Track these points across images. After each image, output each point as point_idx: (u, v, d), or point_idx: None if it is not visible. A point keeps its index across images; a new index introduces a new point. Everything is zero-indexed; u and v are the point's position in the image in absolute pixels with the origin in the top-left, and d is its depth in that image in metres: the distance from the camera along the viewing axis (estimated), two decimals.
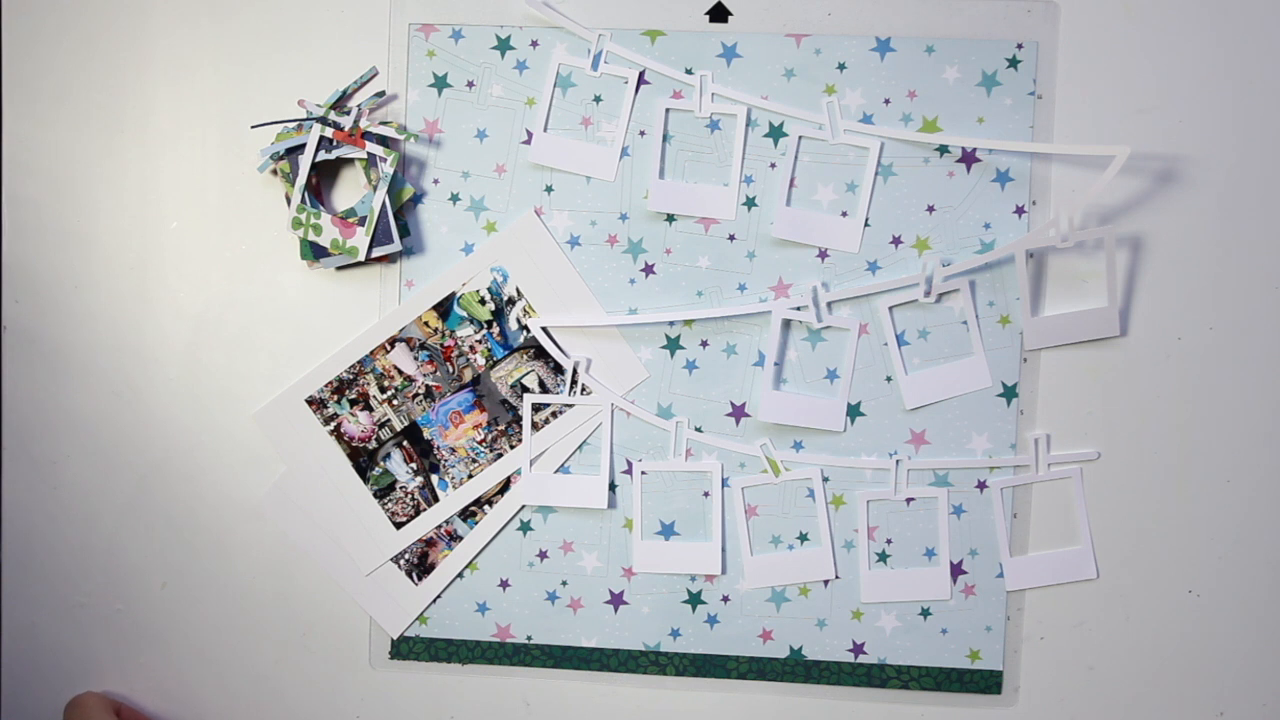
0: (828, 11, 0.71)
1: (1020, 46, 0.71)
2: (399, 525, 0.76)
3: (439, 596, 0.76)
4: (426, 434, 0.75)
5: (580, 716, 0.76)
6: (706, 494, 0.74)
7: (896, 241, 0.72)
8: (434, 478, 0.75)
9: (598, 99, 0.73)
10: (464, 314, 0.74)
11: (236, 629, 0.77)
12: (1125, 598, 0.74)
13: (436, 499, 0.75)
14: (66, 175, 0.75)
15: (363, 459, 0.75)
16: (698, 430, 0.74)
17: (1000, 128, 0.71)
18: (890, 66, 0.71)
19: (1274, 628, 0.74)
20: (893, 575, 0.74)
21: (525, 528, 0.75)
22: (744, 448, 0.74)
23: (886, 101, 0.71)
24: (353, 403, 0.75)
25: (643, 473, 0.74)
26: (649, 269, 0.73)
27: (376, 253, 0.72)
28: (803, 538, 0.74)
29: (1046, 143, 0.71)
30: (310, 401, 0.75)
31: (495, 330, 0.74)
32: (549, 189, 0.73)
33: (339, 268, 0.74)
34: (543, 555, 0.75)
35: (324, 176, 0.74)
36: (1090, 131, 0.71)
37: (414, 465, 0.75)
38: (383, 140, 0.72)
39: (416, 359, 0.75)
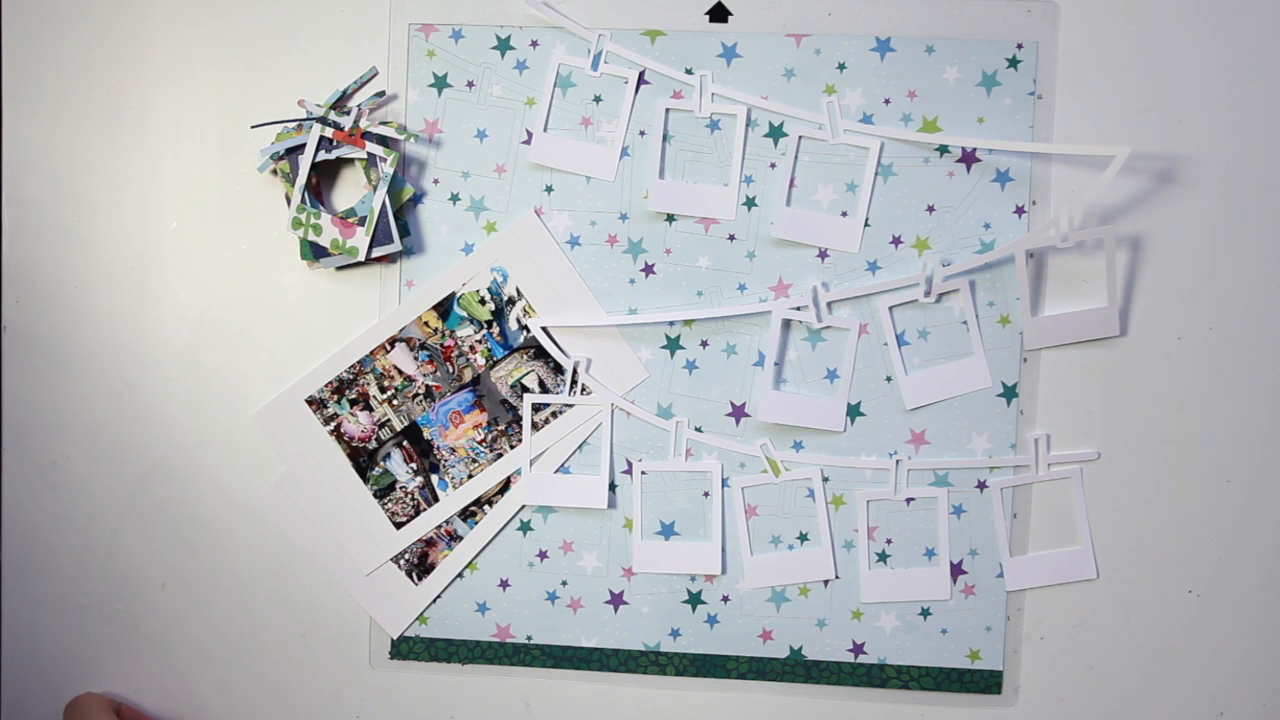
0: (828, 11, 0.71)
1: (1020, 46, 0.71)
2: (399, 525, 0.76)
3: (439, 596, 0.76)
4: (426, 434, 0.75)
5: (580, 716, 0.76)
6: (706, 494, 0.74)
7: (896, 241, 0.72)
8: (434, 478, 0.75)
9: (598, 99, 0.73)
10: (464, 314, 0.74)
11: (236, 629, 0.77)
12: (1125, 598, 0.74)
13: (436, 499, 0.75)
14: (66, 175, 0.75)
15: (363, 459, 0.75)
16: (698, 430, 0.74)
17: (1000, 128, 0.71)
18: (890, 66, 0.71)
19: (1274, 628, 0.74)
20: (893, 575, 0.74)
21: (525, 528, 0.75)
22: (744, 448, 0.74)
23: (886, 101, 0.71)
24: (353, 403, 0.75)
25: (643, 473, 0.74)
26: (649, 269, 0.73)
27: (376, 253, 0.72)
28: (803, 538, 0.74)
29: (1046, 143, 0.71)
30: (310, 401, 0.75)
31: (495, 330, 0.74)
32: (549, 189, 0.73)
33: (339, 268, 0.74)
34: (543, 555, 0.75)
35: (324, 176, 0.74)
36: (1090, 131, 0.71)
37: (414, 465, 0.75)
38: (383, 140, 0.72)
39: (416, 359, 0.75)
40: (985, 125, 0.71)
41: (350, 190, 0.74)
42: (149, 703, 0.78)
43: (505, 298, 0.74)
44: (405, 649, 0.76)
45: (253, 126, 0.73)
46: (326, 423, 0.75)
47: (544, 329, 0.74)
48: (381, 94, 0.73)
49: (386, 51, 0.73)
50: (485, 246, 0.74)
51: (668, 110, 0.72)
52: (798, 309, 0.72)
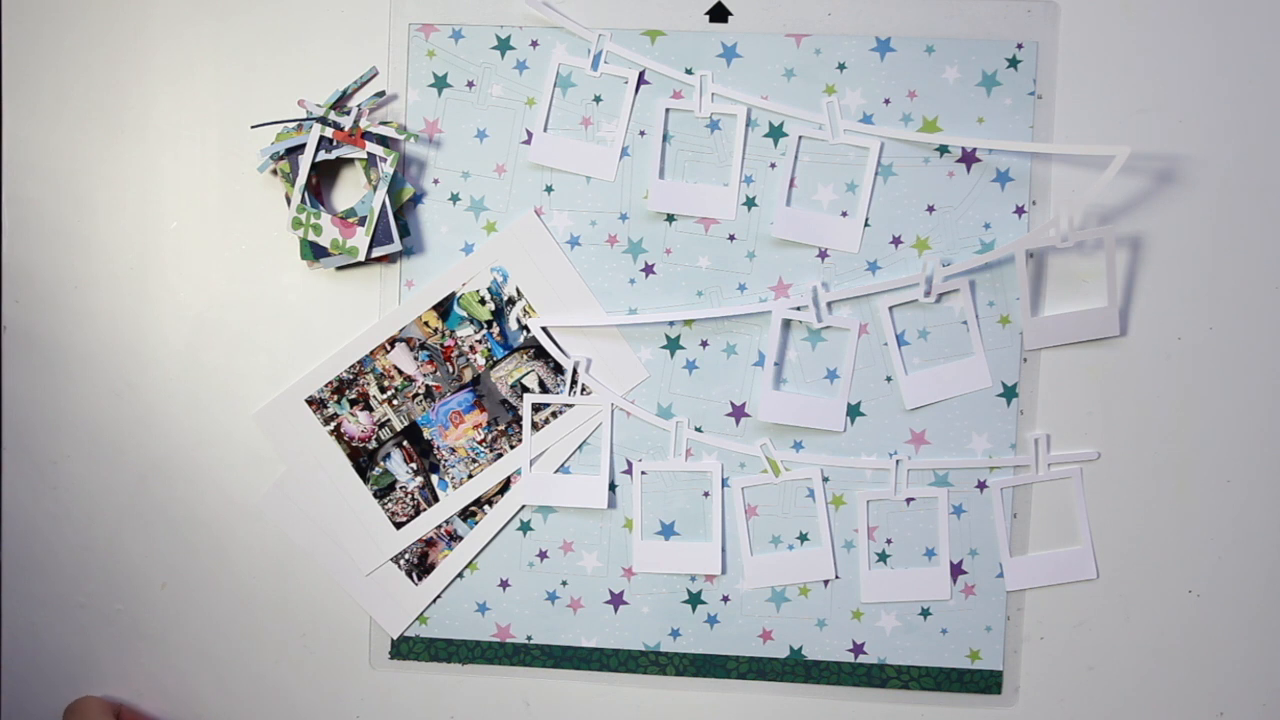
0: (828, 11, 0.71)
1: (1020, 46, 0.71)
2: (399, 525, 0.76)
3: (439, 596, 0.76)
4: (426, 434, 0.75)
5: (580, 716, 0.76)
6: (706, 494, 0.74)
7: (896, 241, 0.72)
8: (434, 478, 0.75)
9: (598, 99, 0.73)
10: (464, 314, 0.74)
11: (236, 629, 0.77)
12: (1125, 598, 0.74)
13: (436, 499, 0.75)
14: (66, 175, 0.75)
15: (363, 459, 0.75)
16: (698, 430, 0.74)
17: (1000, 128, 0.71)
18: (890, 66, 0.71)
19: (1274, 628, 0.74)
20: (893, 575, 0.74)
21: (525, 528, 0.75)
22: (744, 448, 0.74)
23: (886, 101, 0.71)
24: (353, 403, 0.75)
25: (643, 473, 0.74)
26: (649, 269, 0.73)
27: (376, 253, 0.72)
28: (803, 538, 0.74)
29: (1046, 143, 0.71)
30: (310, 401, 0.75)
31: (495, 330, 0.74)
32: (549, 189, 0.73)
33: (339, 268, 0.74)
34: (543, 555, 0.75)
35: (324, 176, 0.74)
36: (1090, 131, 0.71)
37: (414, 465, 0.75)
38: (383, 140, 0.72)
39: (416, 359, 0.75)
40: (985, 125, 0.71)
41: (350, 190, 0.74)
42: (149, 703, 0.78)
43: (505, 298, 0.74)
44: (405, 649, 0.76)
45: (253, 126, 0.73)
46: (326, 423, 0.75)
47: (544, 329, 0.74)
48: (381, 94, 0.73)
49: (386, 51, 0.73)
50: (485, 246, 0.74)
51: (668, 110, 0.72)
52: (798, 309, 0.72)
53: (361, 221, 0.72)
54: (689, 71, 0.72)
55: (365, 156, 0.72)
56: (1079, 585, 0.74)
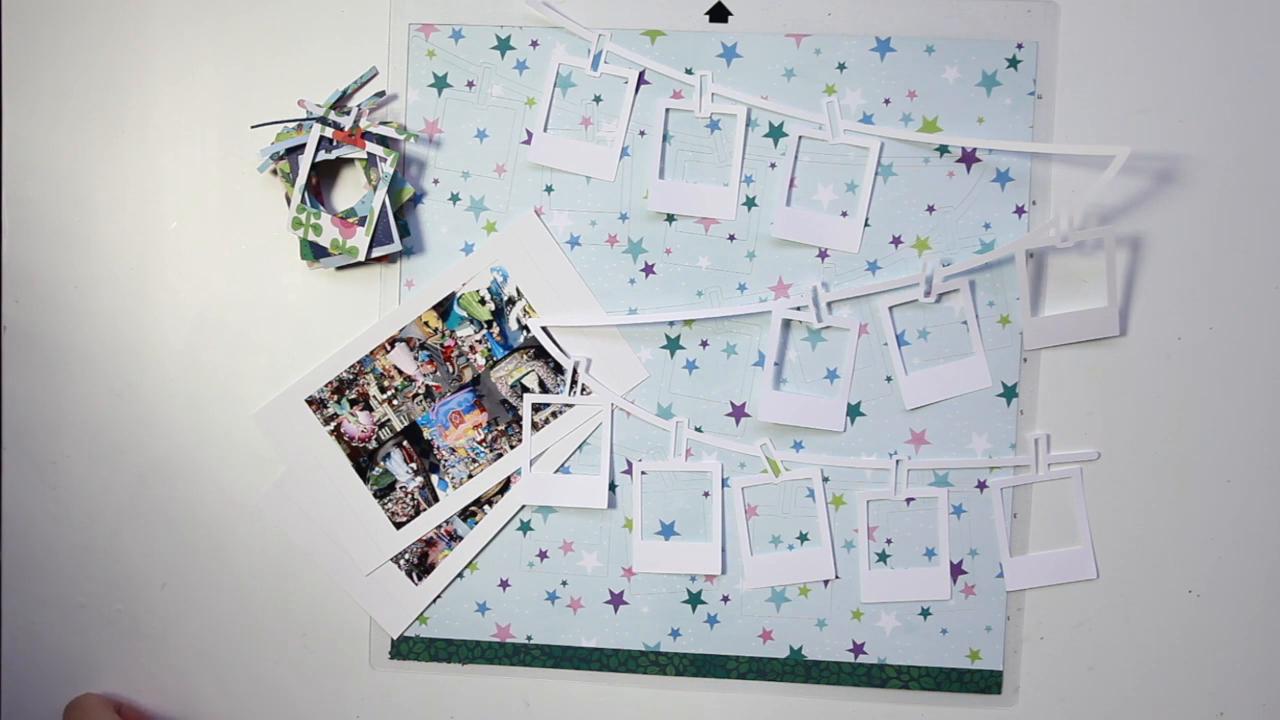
0: (828, 11, 0.71)
1: (1020, 46, 0.71)
2: (399, 525, 0.76)
3: (439, 596, 0.76)
4: (426, 434, 0.75)
5: (580, 716, 0.76)
6: (706, 494, 0.74)
7: (896, 241, 0.72)
8: (434, 478, 0.75)
9: (598, 99, 0.73)
10: (464, 314, 0.74)
11: (236, 629, 0.77)
12: (1125, 598, 0.74)
13: (436, 499, 0.75)
14: (66, 175, 0.75)
15: (363, 459, 0.75)
16: (698, 430, 0.74)
17: (1000, 128, 0.71)
18: (890, 66, 0.71)
19: (1274, 628, 0.74)
20: (893, 575, 0.74)
21: (525, 528, 0.75)
22: (744, 448, 0.74)
23: (886, 101, 0.71)
24: (353, 403, 0.75)
25: (643, 473, 0.74)
26: (649, 269, 0.73)
27: (376, 253, 0.72)
28: (803, 538, 0.75)
29: (1046, 143, 0.71)
30: (310, 401, 0.75)
31: (495, 330, 0.74)
32: (549, 189, 0.73)
33: (339, 268, 0.74)
34: (543, 555, 0.75)
35: (324, 176, 0.74)
36: (1090, 131, 0.71)
37: (414, 465, 0.75)
38: (383, 140, 0.72)
39: (416, 359, 0.75)
40: (985, 125, 0.71)
41: (350, 190, 0.74)
42: (149, 703, 0.78)
43: (505, 298, 0.74)
44: (405, 649, 0.76)
45: (253, 126, 0.73)
46: (326, 423, 0.75)
47: (544, 329, 0.74)
48: (381, 94, 0.73)
49: (386, 51, 0.73)
50: (485, 246, 0.74)
51: (668, 110, 0.72)
52: (798, 309, 0.72)
53: (361, 221, 0.72)
54: (689, 71, 0.72)
55: (365, 156, 0.72)
56: (1079, 585, 0.74)
